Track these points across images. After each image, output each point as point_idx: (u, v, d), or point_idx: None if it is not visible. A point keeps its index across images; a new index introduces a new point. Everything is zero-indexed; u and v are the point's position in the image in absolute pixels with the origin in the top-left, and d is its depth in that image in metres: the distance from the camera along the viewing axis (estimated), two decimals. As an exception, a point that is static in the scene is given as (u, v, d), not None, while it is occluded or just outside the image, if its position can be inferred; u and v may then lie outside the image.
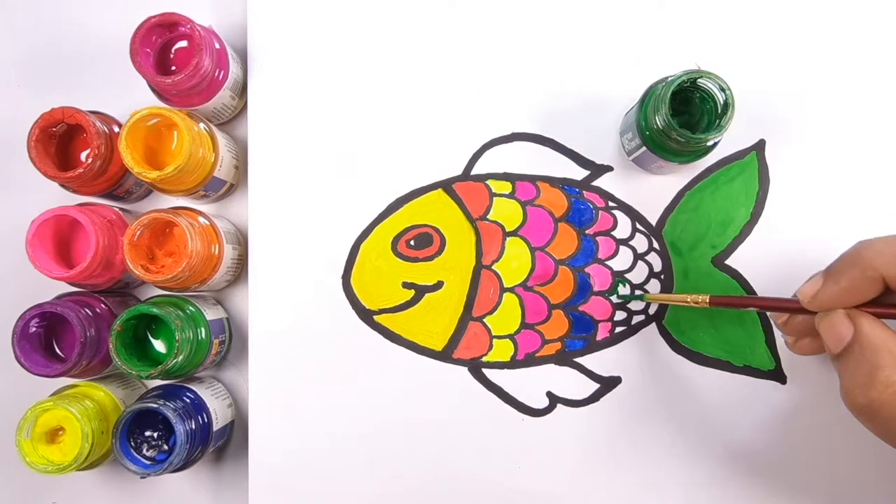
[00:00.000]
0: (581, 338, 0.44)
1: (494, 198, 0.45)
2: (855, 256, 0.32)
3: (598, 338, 0.44)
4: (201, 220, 0.43)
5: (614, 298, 0.44)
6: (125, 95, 0.46)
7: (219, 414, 0.44)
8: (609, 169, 0.44)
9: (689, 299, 0.39)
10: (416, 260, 0.45)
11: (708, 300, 0.38)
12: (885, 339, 0.31)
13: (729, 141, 0.43)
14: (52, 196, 0.45)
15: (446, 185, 0.45)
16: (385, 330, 0.44)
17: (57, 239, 0.42)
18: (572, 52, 0.45)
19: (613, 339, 0.44)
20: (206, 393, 0.44)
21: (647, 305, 0.44)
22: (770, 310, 0.36)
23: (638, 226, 0.44)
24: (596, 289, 0.44)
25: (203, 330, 0.43)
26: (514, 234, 0.44)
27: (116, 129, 0.43)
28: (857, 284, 0.32)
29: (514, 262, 0.44)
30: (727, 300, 0.38)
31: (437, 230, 0.45)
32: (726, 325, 0.43)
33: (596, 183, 0.44)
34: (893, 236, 0.31)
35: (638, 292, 0.43)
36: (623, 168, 0.44)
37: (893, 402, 0.30)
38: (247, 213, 0.45)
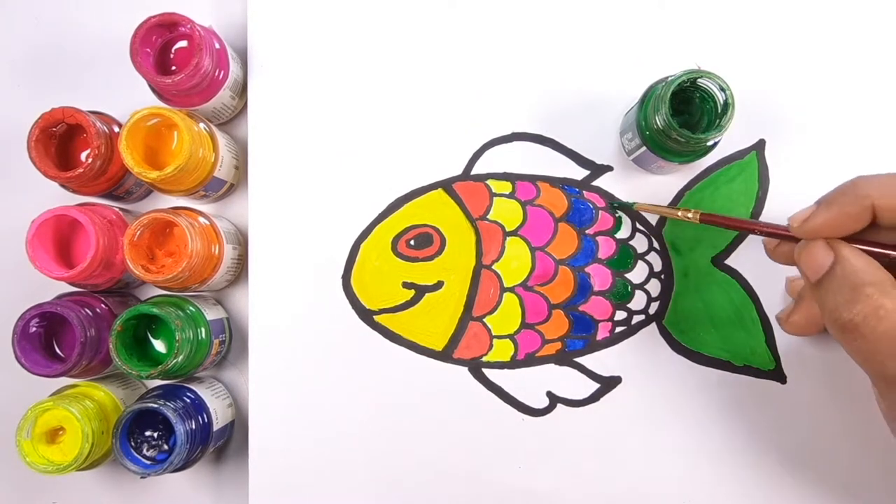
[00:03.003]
0: (581, 338, 0.44)
1: (494, 198, 0.45)
2: (850, 185, 0.33)
3: (599, 338, 0.44)
4: (201, 220, 0.43)
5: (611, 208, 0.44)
6: (125, 95, 0.46)
7: (219, 414, 0.44)
8: (609, 169, 0.44)
9: (679, 213, 0.39)
10: (416, 260, 0.45)
11: (699, 217, 0.38)
12: (867, 262, 0.32)
13: (729, 141, 0.43)
14: (52, 196, 0.45)
15: (446, 185, 0.45)
16: (385, 330, 0.44)
17: (57, 239, 0.42)
18: (572, 52, 0.45)
19: (613, 339, 0.44)
20: (206, 393, 0.44)
21: (648, 304, 0.44)
22: (757, 233, 0.37)
23: (638, 226, 0.44)
24: (596, 289, 0.44)
25: (203, 330, 0.43)
26: (514, 233, 0.44)
27: (116, 129, 0.43)
28: (847, 210, 0.33)
29: (515, 262, 0.44)
30: (716, 218, 0.38)
31: (437, 230, 0.45)
32: (726, 324, 0.43)
33: (596, 183, 0.44)
34: (893, 174, 0.32)
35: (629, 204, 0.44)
36: (623, 168, 0.44)
37: (876, 315, 0.30)
38: (247, 213, 0.45)
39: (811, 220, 0.34)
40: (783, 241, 0.37)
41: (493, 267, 0.44)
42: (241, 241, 0.46)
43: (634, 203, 0.43)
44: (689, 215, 0.39)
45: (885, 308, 0.30)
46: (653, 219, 0.44)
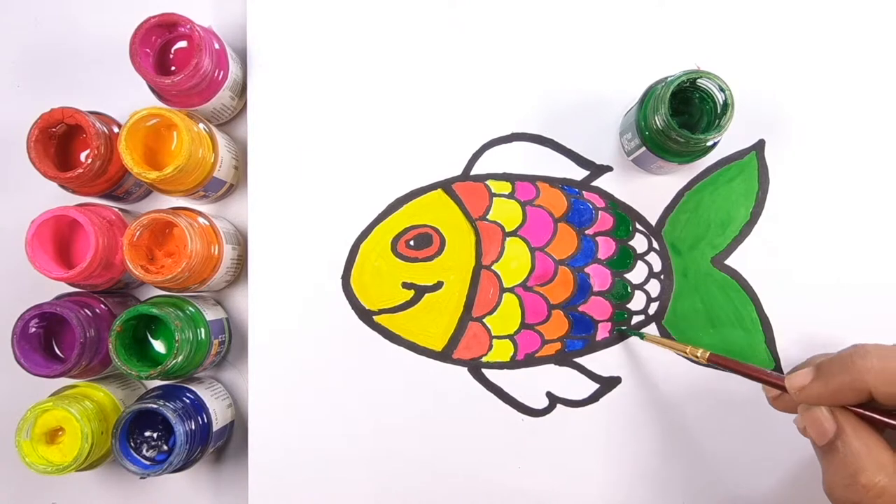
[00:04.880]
0: (581, 338, 0.44)
1: (494, 198, 0.45)
2: (848, 363, 0.32)
3: (598, 338, 0.44)
4: (201, 220, 0.43)
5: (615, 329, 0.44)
6: (125, 95, 0.46)
7: (218, 414, 0.44)
8: (609, 169, 0.44)
9: (687, 350, 0.38)
10: (415, 260, 0.45)
11: (707, 357, 0.37)
12: (867, 444, 0.31)
13: (729, 141, 0.43)
14: (52, 196, 0.45)
15: (446, 186, 0.45)
16: (385, 330, 0.44)
17: (57, 239, 0.42)
18: (572, 52, 0.45)
19: (613, 339, 0.44)
20: (205, 393, 0.44)
21: (647, 305, 0.44)
22: (763, 382, 0.36)
23: (638, 226, 0.44)
24: (596, 289, 0.44)
25: (203, 330, 0.43)
26: (513, 234, 0.44)
27: (116, 129, 0.43)
28: (843, 391, 0.32)
29: (514, 263, 0.44)
30: (724, 361, 0.37)
31: (436, 230, 0.45)
32: (726, 325, 0.43)
33: (596, 183, 0.44)
34: (890, 347, 0.31)
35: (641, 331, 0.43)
36: (623, 168, 0.44)
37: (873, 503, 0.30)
38: (247, 213, 0.45)
39: (808, 391, 0.33)
40: (769, 385, 0.36)
41: (493, 267, 0.44)
42: (241, 241, 0.46)
43: (644, 335, 0.42)
44: (698, 354, 0.37)
45: (886, 496, 0.30)
46: (653, 219, 0.44)
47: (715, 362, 0.37)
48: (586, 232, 0.44)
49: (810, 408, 0.33)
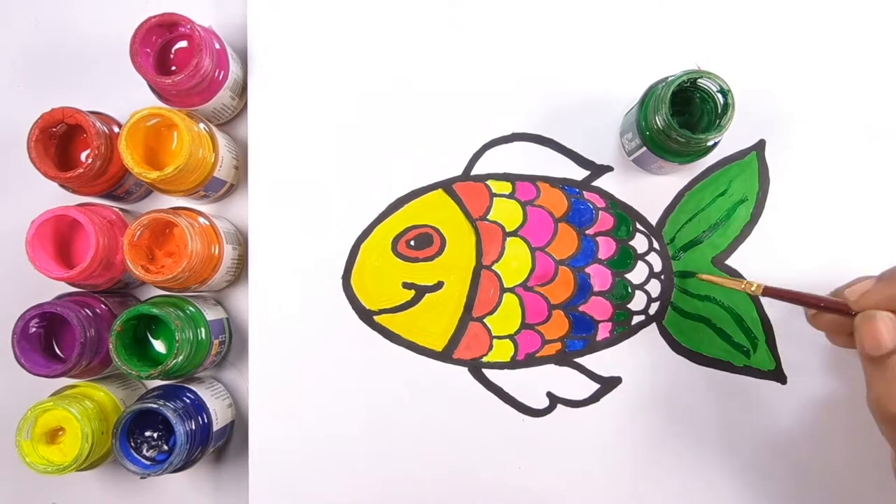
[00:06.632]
0: (581, 338, 0.44)
1: (494, 198, 0.45)
2: None
3: (599, 338, 0.44)
4: (201, 220, 0.43)
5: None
6: (125, 95, 0.46)
7: (219, 414, 0.44)
8: (609, 169, 0.44)
9: (742, 286, 0.39)
10: (416, 260, 0.45)
11: (762, 290, 0.38)
12: None
13: (729, 141, 0.43)
14: (52, 196, 0.45)
15: (446, 186, 0.45)
16: (385, 330, 0.44)
17: (57, 239, 0.42)
18: (572, 52, 0.45)
19: (614, 340, 0.44)
20: (206, 393, 0.44)
21: (648, 305, 0.44)
22: (822, 310, 0.36)
23: (638, 226, 0.44)
24: (596, 289, 0.44)
25: (203, 330, 0.43)
26: (514, 234, 0.44)
27: (116, 129, 0.43)
28: None
29: (514, 263, 0.44)
30: (779, 292, 0.37)
31: (437, 230, 0.45)
32: (727, 325, 0.43)
33: (596, 183, 0.44)
34: None
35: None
36: (623, 168, 0.44)
37: None
38: (247, 213, 0.45)
39: (870, 296, 0.33)
40: (828, 312, 0.36)
41: (493, 267, 0.44)
42: (241, 241, 0.46)
43: (696, 275, 0.42)
44: (752, 288, 0.38)
45: None
46: (653, 219, 0.44)
47: (769, 294, 0.38)
48: (587, 232, 0.44)
49: (871, 316, 0.33)
